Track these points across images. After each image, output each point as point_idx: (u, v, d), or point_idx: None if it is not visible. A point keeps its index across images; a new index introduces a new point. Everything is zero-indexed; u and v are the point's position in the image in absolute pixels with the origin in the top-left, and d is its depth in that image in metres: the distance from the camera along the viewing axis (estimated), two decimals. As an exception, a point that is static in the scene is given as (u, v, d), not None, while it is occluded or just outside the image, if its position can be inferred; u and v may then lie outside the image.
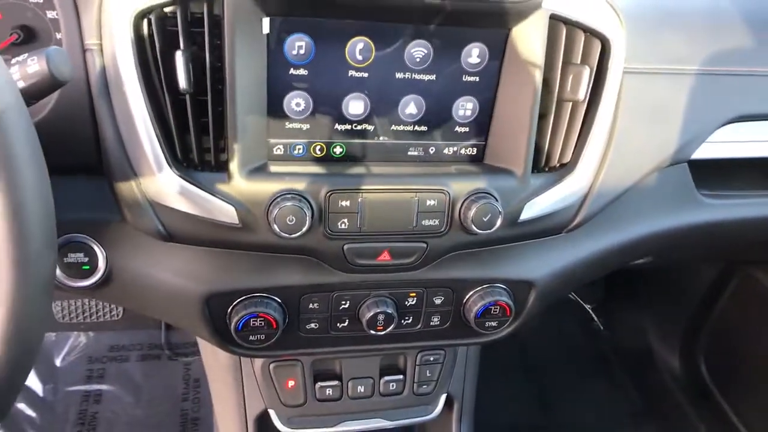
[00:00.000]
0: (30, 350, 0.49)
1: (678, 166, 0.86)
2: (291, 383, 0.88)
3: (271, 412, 0.91)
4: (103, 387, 1.67)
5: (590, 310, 2.09)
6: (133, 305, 0.82)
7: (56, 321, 1.69)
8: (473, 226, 0.71)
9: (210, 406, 1.33)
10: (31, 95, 0.54)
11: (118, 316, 1.71)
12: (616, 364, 1.93)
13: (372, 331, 0.78)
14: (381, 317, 0.77)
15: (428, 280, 0.79)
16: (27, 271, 0.45)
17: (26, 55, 0.55)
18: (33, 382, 1.66)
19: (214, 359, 0.92)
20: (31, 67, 0.53)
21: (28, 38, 0.78)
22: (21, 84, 0.56)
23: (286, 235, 0.66)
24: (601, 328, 2.05)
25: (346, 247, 0.72)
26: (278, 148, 0.72)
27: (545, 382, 1.84)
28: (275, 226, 0.66)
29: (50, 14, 0.78)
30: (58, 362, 1.71)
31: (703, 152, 0.86)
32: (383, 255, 0.73)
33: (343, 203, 0.69)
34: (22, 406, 1.62)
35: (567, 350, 1.97)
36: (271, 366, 0.88)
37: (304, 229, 0.66)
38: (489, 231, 0.71)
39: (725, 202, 0.91)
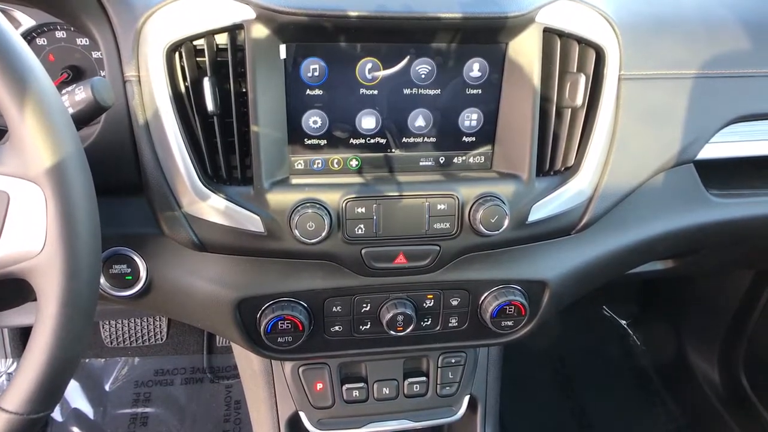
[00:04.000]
0: (77, 354, 0.55)
1: (684, 167, 0.89)
2: (319, 386, 0.93)
3: (302, 414, 0.96)
4: (149, 410, 1.75)
5: (626, 326, 2.07)
6: (171, 313, 0.88)
7: (104, 346, 1.78)
8: (482, 228, 0.75)
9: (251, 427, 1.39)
10: (79, 120, 0.61)
11: (161, 339, 1.79)
12: (654, 379, 1.91)
13: (392, 332, 0.82)
14: (400, 318, 0.82)
15: (444, 282, 0.84)
16: (77, 282, 0.52)
17: (74, 85, 0.63)
18: (84, 405, 1.75)
19: (248, 365, 0.98)
20: (78, 95, 0.61)
21: (77, 76, 0.88)
22: (70, 110, 0.64)
23: (307, 241, 0.72)
24: (638, 343, 2.03)
25: (363, 251, 0.77)
26: (299, 163, 0.78)
27: (582, 398, 1.83)
28: (297, 233, 0.72)
29: (95, 54, 0.88)
30: (107, 387, 1.79)
31: (708, 152, 0.89)
32: (399, 258, 0.79)
33: (359, 210, 0.75)
34: (74, 429, 1.70)
35: (603, 366, 1.96)
36: (300, 369, 0.93)
37: (323, 234, 0.72)
38: (497, 232, 0.76)
39: (735, 201, 0.93)
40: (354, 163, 0.80)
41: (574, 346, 1.96)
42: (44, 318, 0.52)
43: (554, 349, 1.92)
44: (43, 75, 0.51)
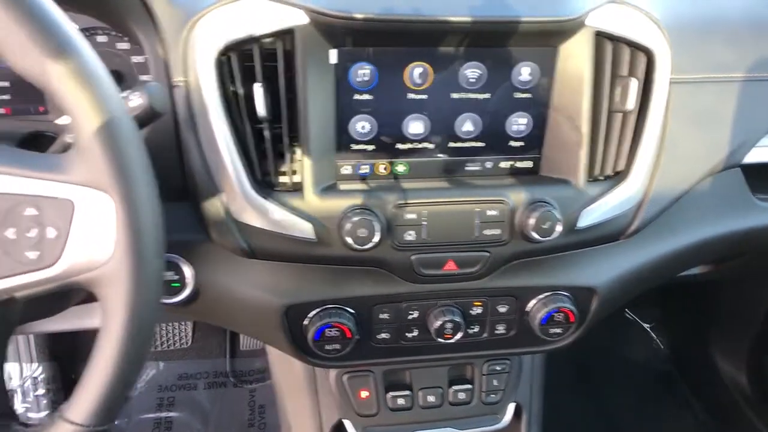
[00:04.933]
0: (142, 365, 0.55)
1: (731, 171, 0.88)
2: (364, 393, 0.92)
3: (346, 423, 0.95)
4: (173, 414, 1.74)
5: (649, 329, 2.06)
6: (216, 320, 0.88)
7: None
8: (534, 234, 0.74)
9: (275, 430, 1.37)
10: None
11: (186, 344, 1.79)
12: (679, 383, 1.89)
13: (440, 340, 0.81)
14: (449, 325, 0.81)
15: (492, 289, 0.83)
16: (144, 292, 0.51)
17: (128, 91, 0.63)
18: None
19: (289, 373, 0.97)
20: (133, 101, 0.60)
21: (116, 81, 0.87)
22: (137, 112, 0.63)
23: (358, 247, 0.71)
24: (661, 346, 2.02)
25: (413, 257, 0.76)
26: (345, 168, 0.78)
27: (609, 402, 1.81)
28: (348, 239, 0.71)
29: (135, 59, 0.87)
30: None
31: (755, 156, 0.88)
32: (448, 264, 0.78)
33: (409, 216, 0.74)
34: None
35: (628, 370, 1.95)
36: (345, 377, 0.92)
37: (375, 241, 0.71)
38: (549, 238, 0.75)
39: (782, 206, 0.92)
40: (401, 168, 0.79)
41: (598, 349, 1.94)
42: (111, 328, 0.52)
43: (578, 353, 1.90)
44: (109, 82, 0.50)
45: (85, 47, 0.50)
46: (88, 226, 0.50)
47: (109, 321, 0.52)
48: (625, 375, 1.94)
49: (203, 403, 1.76)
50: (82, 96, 0.48)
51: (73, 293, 0.73)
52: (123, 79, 0.88)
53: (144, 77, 0.87)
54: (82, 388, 0.53)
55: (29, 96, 0.87)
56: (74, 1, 0.75)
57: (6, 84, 0.85)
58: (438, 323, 0.81)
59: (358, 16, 0.67)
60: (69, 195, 0.50)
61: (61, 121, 0.88)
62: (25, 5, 0.47)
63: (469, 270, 0.78)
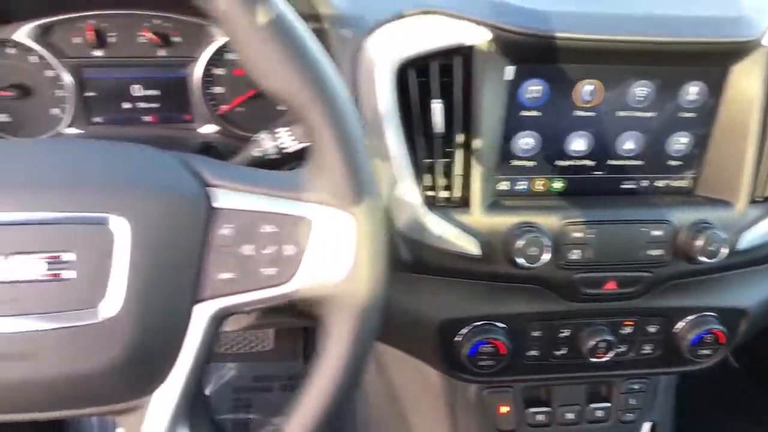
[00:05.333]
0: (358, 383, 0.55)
1: None
2: (504, 409, 0.92)
3: None
4: (250, 416, 1.75)
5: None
6: None
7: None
8: (700, 256, 0.73)
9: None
10: None
11: (268, 346, 1.79)
12: (757, 404, 1.86)
13: (593, 359, 0.81)
14: (602, 345, 0.80)
15: (644, 309, 0.82)
16: (373, 316, 0.52)
17: None
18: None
19: (421, 386, 0.97)
20: None
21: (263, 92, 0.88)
22: None
23: (529, 265, 0.71)
24: (736, 365, 1.98)
25: (576, 276, 0.76)
26: (504, 184, 0.77)
27: (690, 422, 1.78)
28: (518, 258, 0.71)
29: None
30: (207, 392, 1.80)
31: None
32: (609, 284, 0.77)
33: (576, 234, 0.73)
34: (178, 433, 1.71)
35: (704, 390, 1.92)
36: (485, 392, 0.92)
37: (545, 259, 0.71)
38: (714, 260, 0.74)
39: None
40: (557, 185, 0.78)
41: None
42: (336, 348, 0.52)
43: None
44: (352, 103, 0.51)
45: (339, 81, 0.50)
46: (325, 245, 0.50)
47: (333, 340, 0.52)
48: (702, 396, 1.90)
49: (279, 405, 1.77)
50: (333, 126, 0.48)
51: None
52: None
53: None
54: (303, 405, 0.54)
55: (176, 105, 0.88)
56: None
57: (156, 93, 0.87)
58: (592, 342, 0.80)
59: (542, 33, 0.67)
60: (308, 214, 0.50)
61: (204, 129, 0.90)
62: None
63: (628, 290, 0.78)
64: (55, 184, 0.48)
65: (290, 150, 0.67)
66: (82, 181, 0.48)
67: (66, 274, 0.47)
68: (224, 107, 0.88)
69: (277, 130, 0.67)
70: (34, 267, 0.46)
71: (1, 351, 0.46)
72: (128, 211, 0.47)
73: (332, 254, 0.50)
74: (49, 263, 0.47)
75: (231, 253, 0.50)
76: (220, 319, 0.52)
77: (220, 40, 0.84)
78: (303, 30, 0.49)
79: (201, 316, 0.50)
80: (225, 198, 0.50)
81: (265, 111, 0.89)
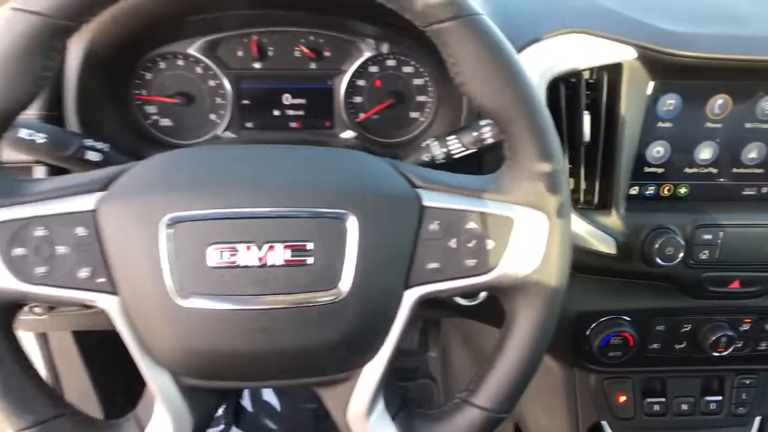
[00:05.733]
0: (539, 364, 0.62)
1: None
2: (622, 398, 0.99)
3: (604, 424, 1.01)
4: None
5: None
6: (496, 322, 0.95)
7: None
8: None
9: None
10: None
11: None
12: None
13: (714, 353, 0.87)
14: (723, 340, 0.87)
15: (762, 308, 0.88)
16: (556, 302, 0.59)
17: (484, 122, 0.71)
18: (272, 398, 1.85)
19: (544, 377, 1.04)
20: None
21: (399, 101, 0.96)
22: (490, 141, 0.72)
23: (664, 264, 0.77)
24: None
25: (703, 275, 0.82)
26: (634, 189, 0.84)
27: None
28: (655, 257, 0.77)
29: (416, 81, 0.95)
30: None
31: None
32: (734, 283, 0.83)
33: (706, 236, 0.80)
34: (264, 419, 1.81)
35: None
36: (605, 382, 0.98)
37: (679, 257, 0.77)
38: None
39: None
40: (683, 190, 0.85)
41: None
42: (524, 329, 0.59)
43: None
44: (550, 118, 0.57)
45: (540, 98, 0.57)
46: (522, 240, 0.58)
47: (523, 322, 0.59)
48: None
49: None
50: (536, 139, 0.56)
51: None
52: (403, 99, 0.97)
53: (420, 97, 0.95)
54: (490, 379, 0.61)
55: (320, 113, 0.96)
56: (399, 36, 0.84)
57: (303, 101, 0.95)
58: (713, 337, 0.86)
59: (683, 53, 0.74)
60: (511, 213, 0.57)
61: (344, 135, 0.98)
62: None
63: (750, 289, 0.84)
64: (300, 186, 0.56)
65: (457, 156, 0.75)
66: (322, 183, 0.56)
67: (308, 260, 0.55)
68: (363, 115, 0.96)
69: (447, 138, 0.75)
70: (282, 254, 0.55)
71: (253, 325, 0.55)
72: (358, 209, 0.56)
73: (527, 248, 0.58)
74: (293, 251, 0.55)
75: (438, 246, 0.58)
76: (422, 303, 0.59)
77: (365, 55, 0.92)
78: (510, 51, 0.56)
79: (409, 300, 0.58)
80: (433, 198, 0.58)
81: (396, 119, 0.96)
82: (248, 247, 0.54)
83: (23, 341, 0.59)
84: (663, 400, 0.98)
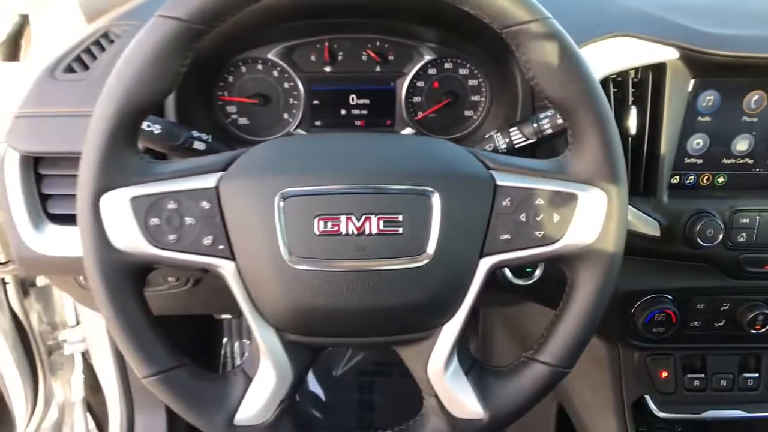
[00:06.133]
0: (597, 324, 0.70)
1: None
2: (664, 374, 1.06)
3: (647, 398, 1.08)
4: (373, 397, 1.92)
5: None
6: (545, 301, 1.03)
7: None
8: None
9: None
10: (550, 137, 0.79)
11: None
12: None
13: (752, 331, 0.94)
14: (760, 318, 0.94)
15: None
16: (615, 266, 0.67)
17: (547, 112, 0.80)
18: (317, 389, 1.95)
19: (588, 354, 1.11)
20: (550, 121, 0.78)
21: (454, 101, 1.05)
22: (549, 131, 0.80)
23: (705, 245, 0.85)
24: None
25: (741, 256, 0.90)
26: (675, 177, 0.92)
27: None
28: (696, 238, 0.85)
29: (470, 82, 1.04)
30: (335, 373, 1.98)
31: None
32: (770, 264, 0.91)
33: (743, 220, 0.88)
34: (311, 408, 1.90)
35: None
36: (648, 359, 1.05)
37: (719, 239, 0.85)
38: None
39: None
40: (721, 179, 0.92)
41: None
42: (586, 291, 0.67)
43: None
44: (610, 108, 0.66)
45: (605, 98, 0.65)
46: (585, 214, 0.66)
47: (584, 286, 0.68)
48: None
49: (401, 389, 1.93)
50: (599, 126, 0.64)
51: None
52: (459, 99, 1.06)
53: (474, 97, 1.04)
54: (554, 338, 0.69)
55: (382, 112, 1.05)
56: (460, 41, 0.93)
57: (368, 101, 1.04)
58: (751, 315, 0.94)
59: (722, 53, 0.82)
60: (574, 190, 0.66)
61: (405, 132, 1.06)
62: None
63: (787, 270, 0.91)
64: (392, 167, 0.65)
65: (518, 146, 0.83)
66: (411, 164, 0.66)
67: (399, 230, 0.64)
68: (421, 114, 1.05)
69: (510, 129, 0.84)
70: (377, 224, 0.64)
71: (353, 285, 0.64)
72: (441, 187, 0.64)
73: (589, 221, 0.66)
74: (386, 222, 0.64)
75: (510, 219, 0.66)
76: (494, 271, 0.68)
77: (425, 58, 1.01)
78: (576, 49, 0.64)
79: (483, 267, 0.67)
80: (505, 178, 0.66)
81: (452, 117, 1.05)
82: (348, 218, 0.63)
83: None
84: (703, 376, 1.05)
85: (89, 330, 1.48)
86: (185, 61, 0.63)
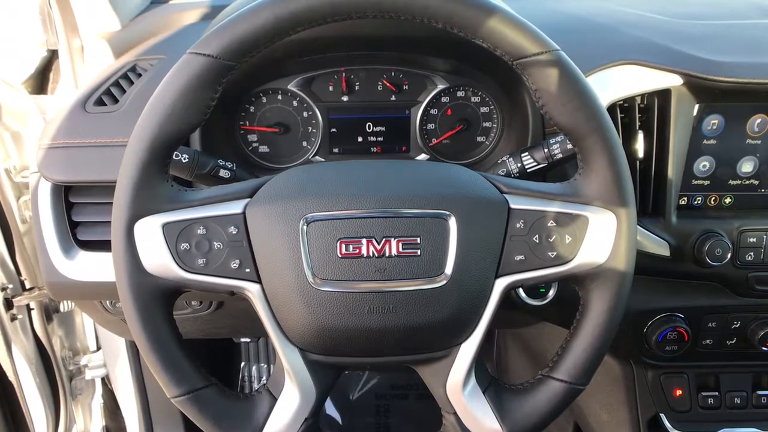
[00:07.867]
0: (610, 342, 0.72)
1: None
2: (678, 392, 1.07)
3: (662, 416, 1.09)
4: (390, 420, 1.93)
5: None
6: (556, 320, 1.05)
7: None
8: None
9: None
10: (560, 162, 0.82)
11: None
12: None
13: (763, 348, 0.96)
14: (771, 336, 0.95)
15: None
16: (627, 285, 0.70)
17: (557, 138, 0.83)
18: (334, 413, 1.96)
19: (604, 373, 1.13)
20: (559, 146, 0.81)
21: (467, 127, 1.09)
22: (560, 156, 0.83)
23: (714, 264, 0.87)
24: None
25: (750, 275, 0.92)
26: (683, 199, 0.95)
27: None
28: (706, 258, 0.87)
29: (482, 109, 1.08)
30: (351, 397, 2.00)
31: None
32: (776, 282, 0.93)
33: (751, 239, 0.90)
34: (327, 432, 1.91)
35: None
36: (662, 377, 1.07)
37: (727, 258, 0.87)
38: None
39: None
40: (728, 200, 0.95)
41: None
42: (598, 309, 0.70)
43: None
44: (616, 133, 0.69)
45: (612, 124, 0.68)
46: (596, 234, 0.69)
47: (597, 304, 0.70)
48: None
49: (416, 412, 1.94)
50: (607, 152, 0.67)
51: None
52: (470, 125, 1.09)
53: (486, 123, 1.08)
54: (569, 355, 0.71)
55: (398, 139, 1.09)
56: (472, 70, 0.97)
57: (383, 129, 1.08)
58: (761, 332, 0.95)
59: (725, 79, 0.85)
60: (585, 212, 0.69)
61: (420, 158, 1.10)
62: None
63: (794, 287, 0.93)
64: (410, 192, 0.68)
65: (530, 170, 0.87)
66: (428, 190, 0.69)
67: (417, 252, 0.67)
68: (435, 140, 1.09)
69: (522, 154, 0.87)
70: (396, 247, 0.67)
71: (374, 306, 0.67)
72: (457, 211, 0.68)
73: (600, 242, 0.69)
74: (405, 245, 0.67)
75: (523, 241, 0.69)
76: (509, 290, 0.71)
77: (439, 87, 1.05)
78: (584, 79, 0.68)
79: (499, 287, 0.69)
80: (518, 201, 0.69)
81: (465, 143, 1.09)
82: (369, 242, 0.66)
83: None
84: (717, 393, 1.06)
85: (109, 355, 1.52)
86: (215, 95, 0.67)
